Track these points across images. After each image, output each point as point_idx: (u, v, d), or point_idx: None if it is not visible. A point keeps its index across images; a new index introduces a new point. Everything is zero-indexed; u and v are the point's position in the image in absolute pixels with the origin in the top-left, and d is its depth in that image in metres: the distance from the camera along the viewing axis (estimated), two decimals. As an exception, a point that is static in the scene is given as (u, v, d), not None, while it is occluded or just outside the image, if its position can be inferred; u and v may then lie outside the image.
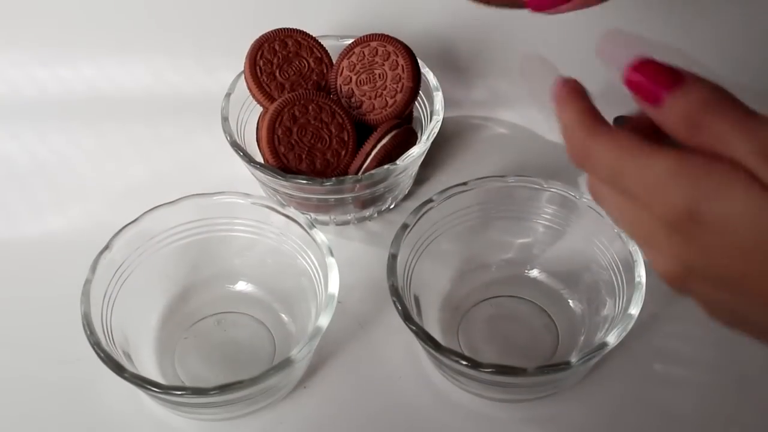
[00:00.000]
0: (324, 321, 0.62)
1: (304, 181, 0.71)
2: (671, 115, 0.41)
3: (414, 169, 0.79)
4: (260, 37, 0.77)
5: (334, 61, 0.79)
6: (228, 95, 0.78)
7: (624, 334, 0.60)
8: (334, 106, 0.74)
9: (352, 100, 0.76)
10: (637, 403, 0.66)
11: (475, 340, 0.70)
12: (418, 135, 0.78)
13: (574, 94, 0.46)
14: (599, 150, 0.43)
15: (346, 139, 0.74)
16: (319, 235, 0.66)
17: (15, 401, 0.68)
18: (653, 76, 0.41)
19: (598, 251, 0.68)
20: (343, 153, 0.74)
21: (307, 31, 0.79)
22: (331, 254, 0.65)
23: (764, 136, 0.38)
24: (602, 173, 0.43)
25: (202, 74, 0.90)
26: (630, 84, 0.42)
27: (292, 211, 0.68)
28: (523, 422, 0.66)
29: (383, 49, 0.76)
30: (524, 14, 0.86)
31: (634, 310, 0.61)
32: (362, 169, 0.73)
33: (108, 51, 0.91)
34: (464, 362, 0.59)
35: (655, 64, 0.42)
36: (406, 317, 0.61)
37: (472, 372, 0.60)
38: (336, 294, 0.63)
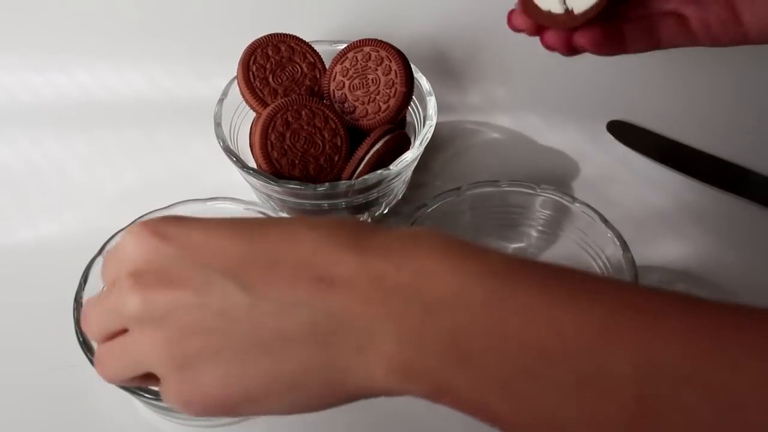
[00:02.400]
0: (317, 327, 0.61)
1: (298, 187, 0.71)
2: None
3: (407, 174, 0.79)
4: (253, 43, 0.77)
5: (327, 66, 0.79)
6: (221, 100, 0.78)
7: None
8: (327, 111, 0.74)
9: (345, 105, 0.76)
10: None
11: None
12: (412, 140, 0.78)
13: None
14: None
15: (339, 144, 0.74)
16: (312, 240, 0.66)
17: (7, 408, 0.67)
18: None
19: (591, 256, 0.68)
20: (337, 158, 0.74)
21: (300, 36, 0.79)
22: (324, 260, 0.65)
23: None
24: None
25: (195, 80, 0.90)
26: None
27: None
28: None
29: (376, 54, 0.76)
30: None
31: (627, 315, 0.61)
32: (355, 175, 0.73)
33: (102, 56, 0.91)
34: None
35: None
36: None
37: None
38: (329, 300, 0.63)
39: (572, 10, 0.55)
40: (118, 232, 0.67)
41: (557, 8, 0.56)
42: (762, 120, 0.85)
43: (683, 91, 0.88)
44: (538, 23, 0.58)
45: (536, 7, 0.57)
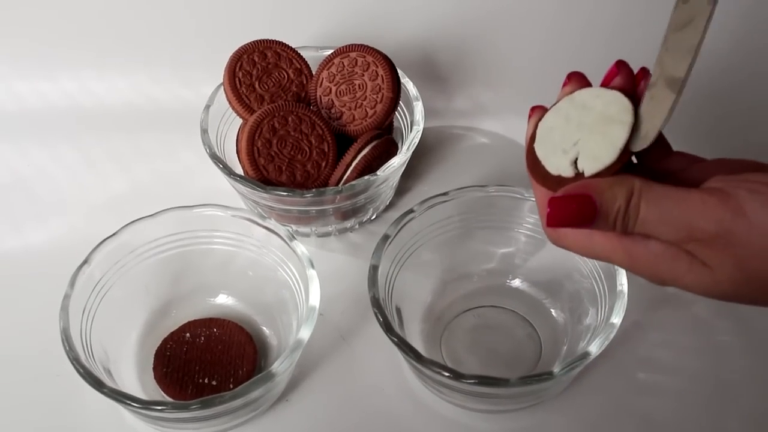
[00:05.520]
0: (305, 333, 0.61)
1: (285, 193, 0.71)
2: (606, 227, 0.46)
3: (395, 180, 0.79)
4: (239, 49, 0.77)
5: (313, 72, 0.79)
6: (207, 107, 0.77)
7: (606, 343, 0.60)
8: (314, 117, 0.74)
9: (332, 110, 0.76)
10: (620, 412, 0.66)
11: (458, 351, 0.69)
12: (399, 145, 0.78)
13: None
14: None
15: (326, 150, 0.74)
16: (300, 247, 0.66)
17: (-6, 418, 0.67)
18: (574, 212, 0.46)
19: (580, 260, 0.68)
20: (324, 164, 0.74)
21: (287, 42, 0.79)
22: (312, 266, 0.65)
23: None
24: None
25: (181, 87, 0.90)
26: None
27: (272, 223, 0.68)
28: (507, 433, 0.66)
29: (363, 59, 0.76)
30: (505, 24, 0.86)
31: (617, 319, 0.61)
32: (343, 180, 0.73)
33: (87, 64, 0.90)
34: (446, 373, 0.58)
35: (566, 201, 0.46)
36: (388, 329, 0.61)
37: (454, 383, 0.59)
38: (317, 306, 0.63)
39: (583, 173, 0.47)
40: (105, 239, 0.66)
41: (567, 171, 0.48)
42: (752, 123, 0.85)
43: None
44: (545, 187, 0.50)
45: (544, 170, 0.50)
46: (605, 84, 0.50)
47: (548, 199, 0.46)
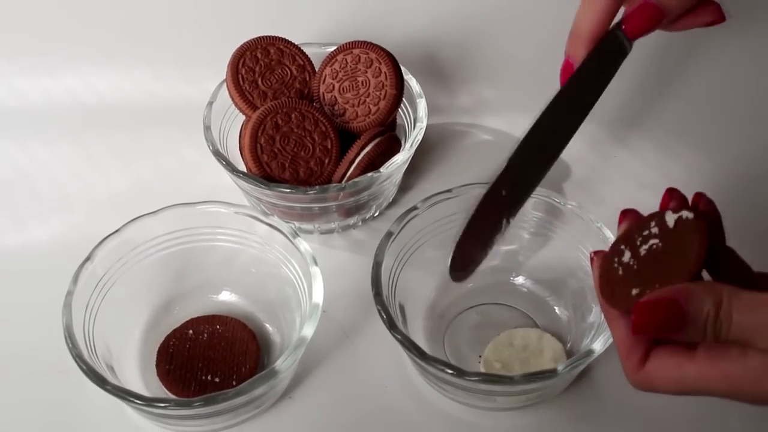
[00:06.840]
0: (309, 330, 0.61)
1: (288, 190, 0.71)
2: (695, 335, 0.43)
3: (398, 177, 0.79)
4: (242, 46, 0.77)
5: (316, 69, 0.78)
6: (210, 104, 0.77)
7: (610, 341, 0.60)
8: (317, 114, 0.74)
9: (335, 107, 0.76)
10: (623, 410, 0.66)
11: (461, 348, 0.69)
12: (402, 142, 0.77)
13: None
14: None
15: (329, 147, 0.74)
16: (303, 244, 0.66)
17: (-3, 415, 0.67)
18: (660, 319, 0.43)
19: (584, 257, 0.68)
20: (327, 161, 0.74)
21: (290, 39, 0.79)
22: (315, 263, 0.65)
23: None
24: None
25: (184, 83, 0.89)
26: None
27: (275, 220, 0.68)
28: (510, 431, 0.66)
29: (366, 56, 0.76)
30: (509, 21, 0.86)
31: (620, 317, 0.61)
32: (346, 177, 0.73)
33: (90, 60, 0.90)
34: (449, 371, 0.58)
35: (653, 306, 0.44)
36: (391, 326, 0.61)
37: (457, 380, 0.59)
38: (320, 303, 0.63)
39: None
40: (108, 236, 0.66)
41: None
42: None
43: (674, 92, 0.88)
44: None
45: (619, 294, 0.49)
46: (662, 210, 0.49)
47: (633, 305, 0.44)
